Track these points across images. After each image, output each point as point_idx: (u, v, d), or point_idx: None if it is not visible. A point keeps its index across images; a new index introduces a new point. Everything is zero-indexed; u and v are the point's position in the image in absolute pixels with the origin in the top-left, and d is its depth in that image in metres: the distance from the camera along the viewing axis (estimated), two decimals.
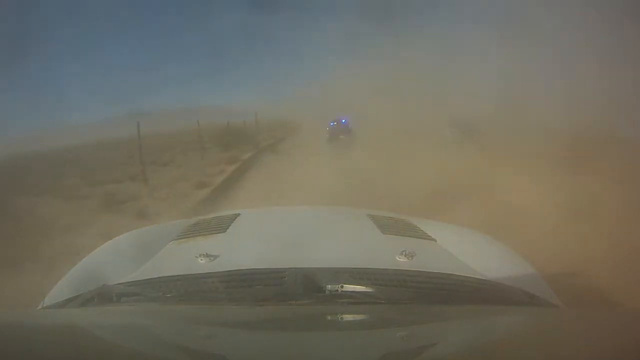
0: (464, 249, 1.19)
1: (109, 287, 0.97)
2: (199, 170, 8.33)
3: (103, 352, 0.66)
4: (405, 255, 1.04)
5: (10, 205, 5.08)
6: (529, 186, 4.80)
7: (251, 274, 0.98)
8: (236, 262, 1.04)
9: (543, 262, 1.47)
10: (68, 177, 8.09)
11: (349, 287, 0.90)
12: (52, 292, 1.09)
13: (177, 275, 1.00)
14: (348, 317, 0.88)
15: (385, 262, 1.03)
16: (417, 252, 1.06)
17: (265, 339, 0.75)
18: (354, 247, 1.21)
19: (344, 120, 12.70)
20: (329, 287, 0.90)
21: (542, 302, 0.98)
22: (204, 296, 0.94)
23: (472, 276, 1.02)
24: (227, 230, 1.30)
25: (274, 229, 1.44)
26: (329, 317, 0.87)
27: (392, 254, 1.06)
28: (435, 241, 1.26)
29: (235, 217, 1.45)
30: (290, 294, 0.90)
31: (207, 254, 1.05)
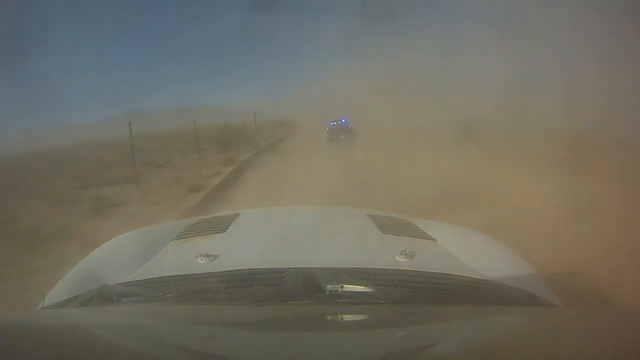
0: (464, 249, 1.19)
1: (109, 287, 0.97)
2: (195, 171, 8.17)
3: (103, 352, 0.66)
4: (405, 255, 1.04)
5: None
6: (529, 186, 4.80)
7: (251, 274, 0.98)
8: (236, 262, 1.04)
9: (543, 262, 1.47)
10: (60, 179, 7.92)
11: (349, 287, 0.90)
12: (52, 292, 1.09)
13: (177, 275, 1.00)
14: (348, 317, 0.88)
15: (385, 262, 1.03)
16: (417, 252, 1.06)
17: (265, 339, 0.75)
18: (353, 247, 1.21)
19: (344, 120, 12.67)
20: (329, 287, 0.90)
21: (542, 302, 0.98)
22: (204, 296, 0.94)
23: (472, 276, 1.02)
24: (227, 230, 1.30)
25: (274, 229, 1.44)
26: (329, 317, 0.87)
27: (392, 254, 1.06)
28: (435, 241, 1.26)
29: (235, 217, 1.45)
30: (290, 294, 0.90)
31: (207, 254, 1.05)
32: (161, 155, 11.04)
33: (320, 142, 12.04)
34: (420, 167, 6.09)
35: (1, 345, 0.64)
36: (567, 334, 0.76)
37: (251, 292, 0.93)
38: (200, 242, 1.22)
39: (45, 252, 3.69)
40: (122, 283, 1.00)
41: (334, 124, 12.51)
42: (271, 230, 1.43)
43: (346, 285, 0.90)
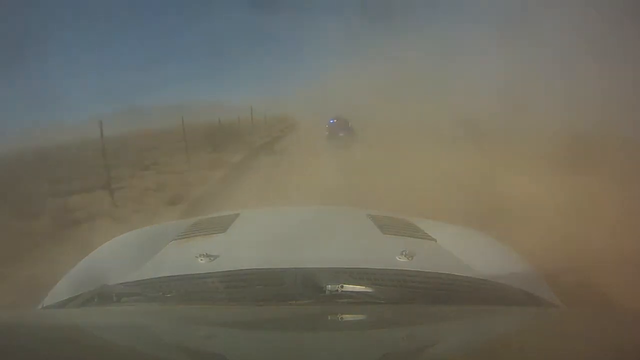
0: (464, 249, 1.19)
1: (109, 287, 0.97)
2: (180, 176, 7.44)
3: (103, 352, 0.66)
4: (405, 255, 1.04)
5: None
6: (530, 186, 4.80)
7: (251, 274, 0.98)
8: (236, 262, 1.04)
9: (543, 262, 1.47)
10: (31, 184, 6.88)
11: (349, 287, 0.90)
12: (52, 292, 1.09)
13: (177, 275, 1.00)
14: (348, 317, 0.88)
15: (385, 262, 1.03)
16: (417, 252, 1.06)
17: (265, 339, 0.75)
18: (354, 247, 1.21)
19: (343, 118, 12.58)
20: (329, 287, 0.90)
21: (542, 302, 0.99)
22: (204, 296, 0.94)
23: (472, 276, 1.02)
24: (227, 230, 1.30)
25: (274, 229, 1.44)
26: (329, 317, 0.87)
27: (392, 254, 1.06)
28: (435, 241, 1.26)
29: (235, 217, 1.45)
30: (290, 294, 0.90)
31: (207, 254, 1.05)
32: (151, 155, 10.31)
33: (320, 140, 11.91)
34: (422, 167, 6.08)
35: (1, 345, 0.64)
36: (567, 334, 0.77)
37: (251, 292, 0.93)
38: (200, 242, 1.22)
39: None
40: (122, 283, 1.00)
41: (333, 122, 12.44)
42: (271, 230, 1.43)
43: (346, 285, 0.90)
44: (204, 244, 1.19)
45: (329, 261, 1.01)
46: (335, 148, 10.44)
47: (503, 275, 1.05)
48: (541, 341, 0.70)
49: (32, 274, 3.00)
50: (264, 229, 1.46)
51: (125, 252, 1.26)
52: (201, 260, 1.04)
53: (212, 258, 1.05)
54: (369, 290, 0.90)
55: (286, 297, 0.90)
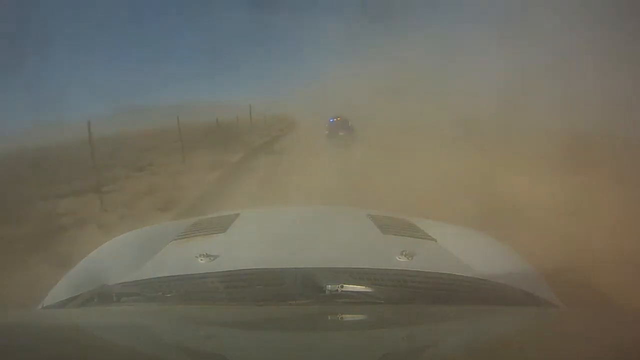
0: (464, 249, 1.19)
1: (109, 287, 0.97)
2: (175, 177, 7.09)
3: (103, 352, 0.67)
4: (405, 255, 1.04)
5: None
6: (530, 186, 4.80)
7: (251, 274, 0.98)
8: (236, 262, 1.04)
9: (543, 262, 1.47)
10: (22, 186, 6.67)
11: (349, 287, 0.90)
12: (52, 292, 1.09)
13: (177, 275, 1.00)
14: (348, 317, 0.88)
15: (385, 262, 1.03)
16: (417, 252, 1.06)
17: (265, 339, 0.75)
18: (354, 247, 1.21)
19: (343, 117, 12.54)
20: (329, 287, 0.90)
21: (542, 302, 0.99)
22: (204, 296, 0.94)
23: (472, 276, 1.02)
24: (227, 230, 1.30)
25: (274, 229, 1.44)
26: (329, 317, 0.87)
27: (392, 254, 1.06)
28: (435, 241, 1.26)
29: (235, 217, 1.45)
30: (290, 294, 0.90)
31: (207, 254, 1.05)
32: (148, 156, 9.94)
33: (320, 140, 11.84)
34: (422, 167, 6.08)
35: (1, 345, 0.64)
36: (567, 334, 0.77)
37: (251, 292, 0.93)
38: (200, 242, 1.22)
39: None
40: (122, 283, 1.00)
41: (333, 121, 12.40)
42: (271, 230, 1.43)
43: (346, 285, 0.90)
44: (204, 244, 1.19)
45: (329, 261, 1.01)
46: (336, 147, 10.41)
47: (503, 275, 1.05)
48: (541, 341, 0.70)
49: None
50: (264, 229, 1.46)
51: (125, 252, 1.26)
52: (201, 260, 1.04)
53: (212, 258, 1.05)
54: (369, 290, 0.90)
55: (286, 297, 0.90)
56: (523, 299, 0.97)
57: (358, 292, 0.90)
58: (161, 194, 5.91)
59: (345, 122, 12.25)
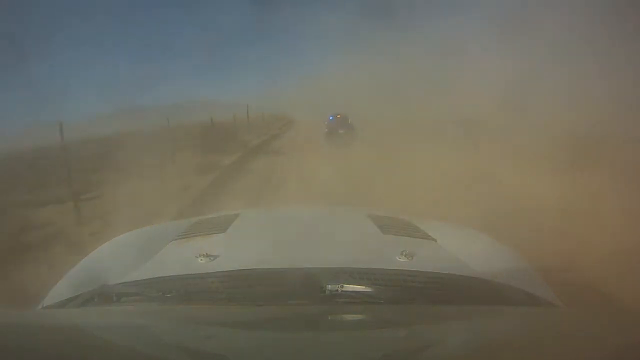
0: (464, 249, 1.19)
1: (109, 287, 0.97)
2: (163, 183, 6.50)
3: (103, 352, 0.67)
4: (405, 255, 1.04)
5: None
6: (530, 186, 4.80)
7: (251, 274, 0.98)
8: (236, 262, 1.04)
9: (543, 262, 1.47)
10: None
11: (349, 287, 0.90)
12: (52, 292, 1.09)
13: (177, 275, 1.00)
14: (348, 317, 0.88)
15: (385, 262, 1.03)
16: (417, 252, 1.06)
17: (265, 339, 0.75)
18: (353, 247, 1.21)
19: (343, 115, 12.45)
20: (329, 287, 0.90)
21: (542, 302, 0.99)
22: (204, 296, 0.94)
23: (472, 276, 1.02)
24: (227, 230, 1.30)
25: (274, 229, 1.44)
26: (329, 317, 0.87)
27: (392, 254, 1.06)
28: (435, 241, 1.26)
29: (235, 217, 1.45)
30: (290, 294, 0.90)
31: (207, 254, 1.05)
32: (139, 157, 8.67)
33: (319, 138, 11.73)
34: (421, 168, 6.07)
35: (1, 345, 0.64)
36: (567, 334, 0.77)
37: (251, 292, 0.93)
38: (200, 242, 1.22)
39: None
40: (122, 283, 1.00)
41: (332, 118, 12.31)
42: (271, 230, 1.43)
43: (346, 285, 0.90)
44: (204, 244, 1.19)
45: (329, 261, 1.01)
46: (336, 147, 10.37)
47: (503, 275, 1.05)
48: (541, 341, 0.70)
49: None
50: (264, 229, 1.46)
51: (125, 252, 1.26)
52: (201, 260, 1.04)
53: (212, 258, 1.05)
54: (369, 290, 0.90)
55: (286, 297, 0.90)
56: (523, 299, 0.97)
57: (358, 292, 0.90)
58: (145, 201, 5.23)
59: (345, 120, 12.15)
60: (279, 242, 1.22)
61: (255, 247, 1.21)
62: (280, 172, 7.81)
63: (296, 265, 0.98)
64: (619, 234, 3.16)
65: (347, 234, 1.37)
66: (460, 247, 1.20)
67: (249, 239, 1.32)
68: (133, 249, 1.25)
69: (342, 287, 0.90)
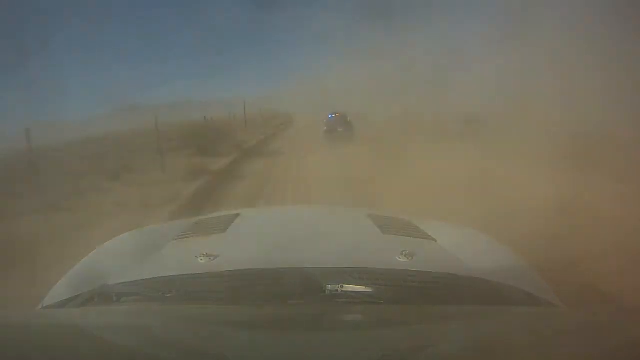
0: (464, 249, 1.19)
1: (109, 287, 0.97)
2: (150, 190, 5.96)
3: (103, 352, 0.67)
4: (405, 255, 1.04)
5: None
6: (529, 186, 4.80)
7: (251, 274, 0.98)
8: (236, 262, 1.04)
9: (543, 262, 1.47)
10: None
11: (349, 287, 0.90)
12: (52, 292, 1.09)
13: (177, 275, 1.00)
14: (348, 317, 0.88)
15: (385, 262, 1.03)
16: (417, 252, 1.06)
17: (265, 339, 0.75)
18: (353, 247, 1.21)
19: (342, 113, 12.41)
20: (329, 287, 0.90)
21: (542, 302, 0.99)
22: (204, 296, 0.94)
23: (472, 276, 1.02)
24: (227, 230, 1.30)
25: (274, 229, 1.44)
26: (329, 317, 0.87)
27: (392, 254, 1.06)
28: (436, 241, 1.26)
29: (235, 217, 1.45)
30: (290, 294, 0.90)
31: (207, 254, 1.05)
32: (128, 160, 8.71)
33: (319, 138, 11.65)
34: (422, 168, 6.07)
35: (1, 345, 0.64)
36: (567, 334, 0.77)
37: (251, 292, 0.93)
38: (200, 242, 1.22)
39: None
40: (122, 283, 1.00)
41: (332, 117, 12.26)
42: (271, 230, 1.43)
43: (346, 285, 0.90)
44: (204, 244, 1.19)
45: (329, 261, 1.01)
46: (335, 147, 10.34)
47: (503, 275, 1.05)
48: (541, 341, 0.71)
49: None
50: (264, 229, 1.46)
51: (125, 252, 1.26)
52: (201, 260, 1.04)
53: (212, 258, 1.05)
54: (369, 290, 0.90)
55: (286, 297, 0.90)
56: (523, 299, 0.97)
57: (358, 292, 0.90)
58: (128, 213, 4.84)
59: (344, 118, 12.12)
60: (279, 242, 1.22)
61: (256, 247, 1.21)
62: (277, 175, 7.56)
63: (296, 265, 0.98)
64: (619, 234, 3.16)
65: (347, 234, 1.37)
66: (460, 247, 1.20)
67: (249, 239, 1.32)
68: (133, 249, 1.26)
69: (342, 287, 0.90)
